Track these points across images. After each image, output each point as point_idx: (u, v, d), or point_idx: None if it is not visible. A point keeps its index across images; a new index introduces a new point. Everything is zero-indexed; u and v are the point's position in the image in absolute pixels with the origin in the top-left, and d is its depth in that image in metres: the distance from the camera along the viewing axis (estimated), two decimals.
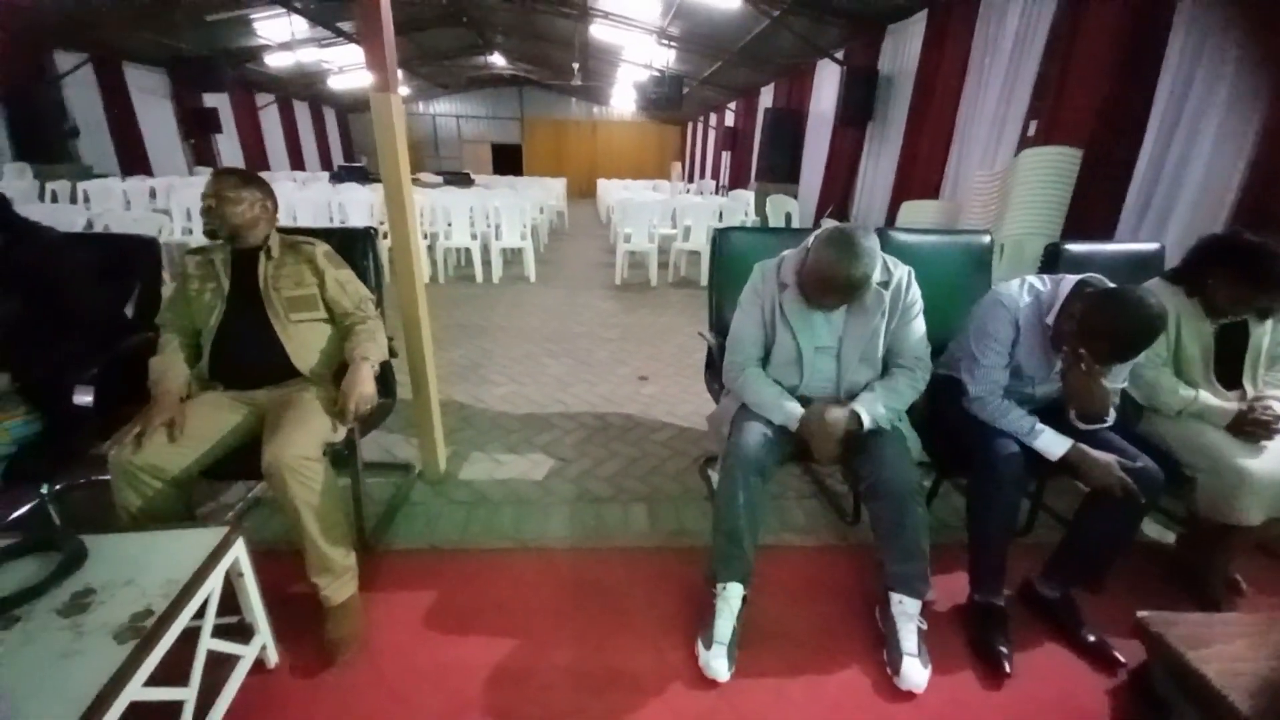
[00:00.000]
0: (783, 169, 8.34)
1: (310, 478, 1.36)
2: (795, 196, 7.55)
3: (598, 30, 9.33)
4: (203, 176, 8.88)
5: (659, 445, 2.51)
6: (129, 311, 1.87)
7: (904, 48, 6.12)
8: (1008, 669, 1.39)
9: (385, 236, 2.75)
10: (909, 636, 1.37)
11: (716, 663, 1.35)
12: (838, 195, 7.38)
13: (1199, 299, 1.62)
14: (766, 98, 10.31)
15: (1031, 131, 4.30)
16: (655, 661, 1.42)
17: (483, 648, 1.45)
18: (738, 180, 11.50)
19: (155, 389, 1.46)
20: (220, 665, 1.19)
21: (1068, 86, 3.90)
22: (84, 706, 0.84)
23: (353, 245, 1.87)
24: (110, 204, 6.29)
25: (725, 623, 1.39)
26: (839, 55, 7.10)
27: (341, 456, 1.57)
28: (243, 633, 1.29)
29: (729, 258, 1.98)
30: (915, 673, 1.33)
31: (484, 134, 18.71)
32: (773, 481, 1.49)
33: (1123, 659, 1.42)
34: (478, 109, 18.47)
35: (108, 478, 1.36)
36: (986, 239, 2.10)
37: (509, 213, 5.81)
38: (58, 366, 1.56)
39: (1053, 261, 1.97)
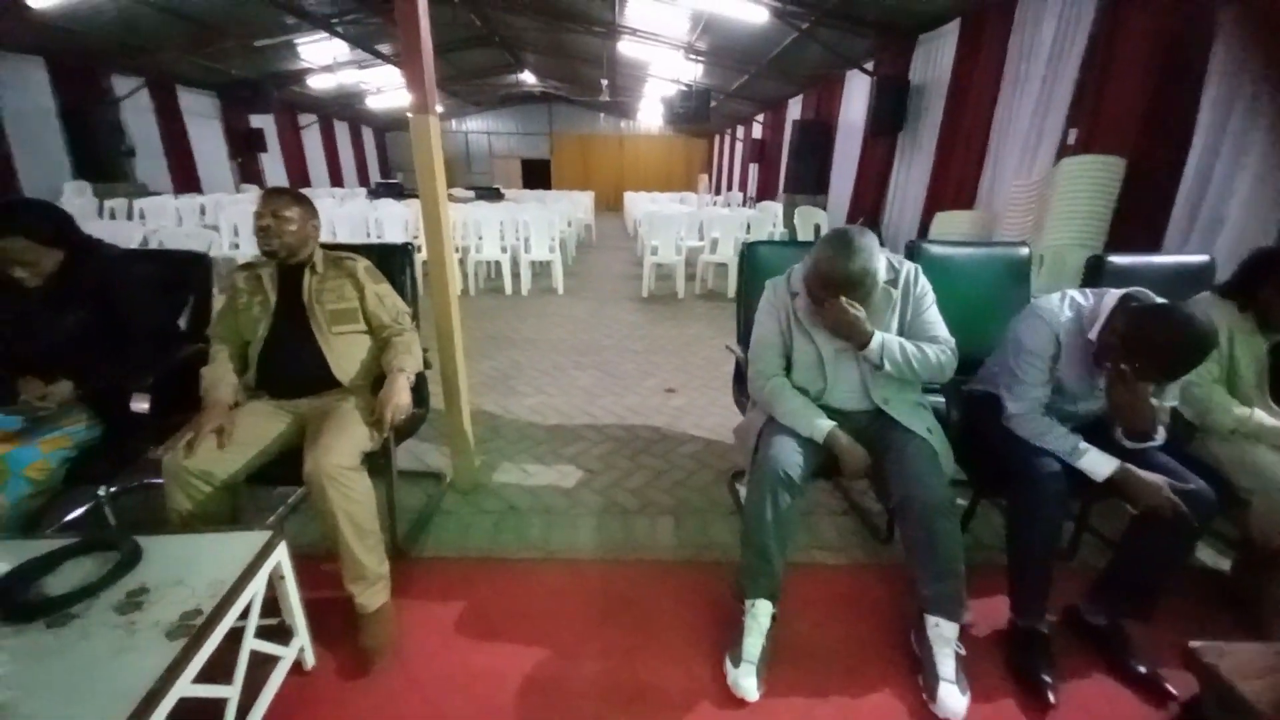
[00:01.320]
0: (811, 180, 8.29)
1: (349, 486, 1.41)
2: (824, 208, 7.49)
3: (625, 47, 9.48)
4: (249, 194, 9.31)
5: (686, 458, 2.51)
6: (182, 323, 1.97)
7: (936, 57, 6.05)
8: (1051, 699, 1.33)
9: (419, 250, 2.83)
10: (946, 661, 1.33)
11: (745, 681, 1.33)
12: (868, 207, 7.29)
13: (1252, 314, 1.56)
14: (794, 109, 10.29)
15: (1071, 140, 4.18)
16: (683, 677, 1.41)
17: (512, 656, 1.46)
18: (765, 192, 11.47)
19: (206, 397, 1.53)
20: (260, 665, 1.23)
21: (1108, 94, 3.79)
22: (136, 701, 0.87)
23: (391, 260, 1.94)
24: (164, 221, 6.62)
25: (754, 640, 1.38)
26: (868, 66, 7.05)
27: (377, 464, 1.61)
28: (282, 634, 1.33)
29: (757, 271, 1.97)
30: (953, 699, 1.28)
31: (514, 150, 19.13)
32: (802, 497, 1.47)
33: (1174, 691, 1.35)
34: (508, 126, 18.91)
35: (160, 481, 1.43)
36: (1024, 251, 2.05)
37: (538, 226, 5.92)
38: (117, 375, 1.65)
39: (1095, 274, 1.91)
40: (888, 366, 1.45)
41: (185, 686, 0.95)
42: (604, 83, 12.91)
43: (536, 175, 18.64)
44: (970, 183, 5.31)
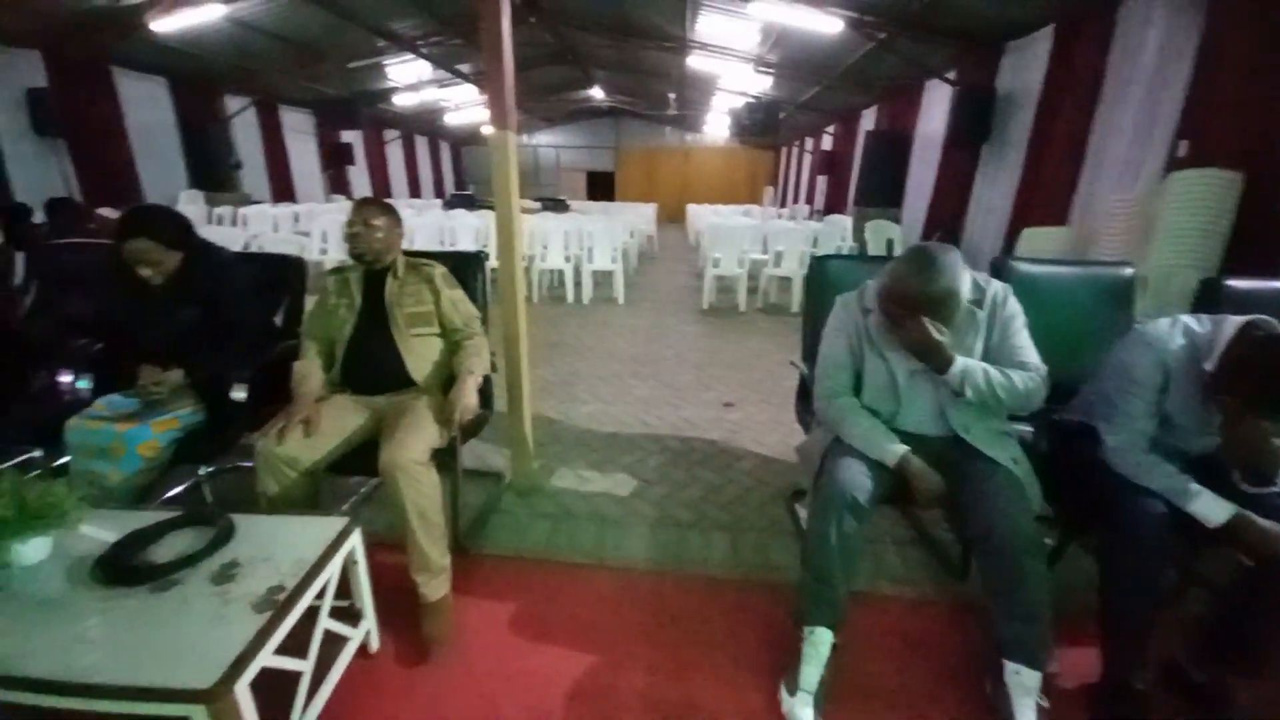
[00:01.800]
0: (884, 193, 7.99)
1: (419, 480, 1.48)
2: (898, 222, 7.21)
3: (695, 61, 9.54)
4: (337, 203, 10.01)
5: (743, 474, 2.46)
6: (277, 321, 2.13)
7: (1026, 65, 5.72)
8: None
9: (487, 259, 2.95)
10: (1025, 713, 1.22)
11: (802, 711, 1.28)
12: (947, 221, 6.96)
13: None
14: (868, 120, 10.01)
15: (1182, 152, 3.83)
16: (734, 700, 1.37)
17: (563, 660, 1.47)
18: (834, 205, 11.18)
19: (296, 390, 1.65)
20: (330, 644, 1.29)
21: (1225, 103, 3.45)
22: (226, 666, 0.94)
23: (465, 267, 2.02)
24: (262, 227, 7.22)
25: (812, 670, 1.32)
26: (950, 75, 6.76)
27: (444, 461, 1.67)
28: (351, 617, 1.40)
29: (826, 286, 1.91)
30: None
31: (580, 162, 19.65)
32: (869, 523, 1.40)
33: None
34: (575, 139, 19.47)
35: (250, 465, 1.55)
36: (1127, 271, 1.89)
37: (601, 237, 6.03)
38: (221, 366, 1.80)
39: (1210, 299, 1.73)
40: (969, 393, 1.37)
41: (267, 656, 1.02)
42: (672, 97, 13.06)
43: (601, 187, 19.05)
44: (1062, 197, 4.96)
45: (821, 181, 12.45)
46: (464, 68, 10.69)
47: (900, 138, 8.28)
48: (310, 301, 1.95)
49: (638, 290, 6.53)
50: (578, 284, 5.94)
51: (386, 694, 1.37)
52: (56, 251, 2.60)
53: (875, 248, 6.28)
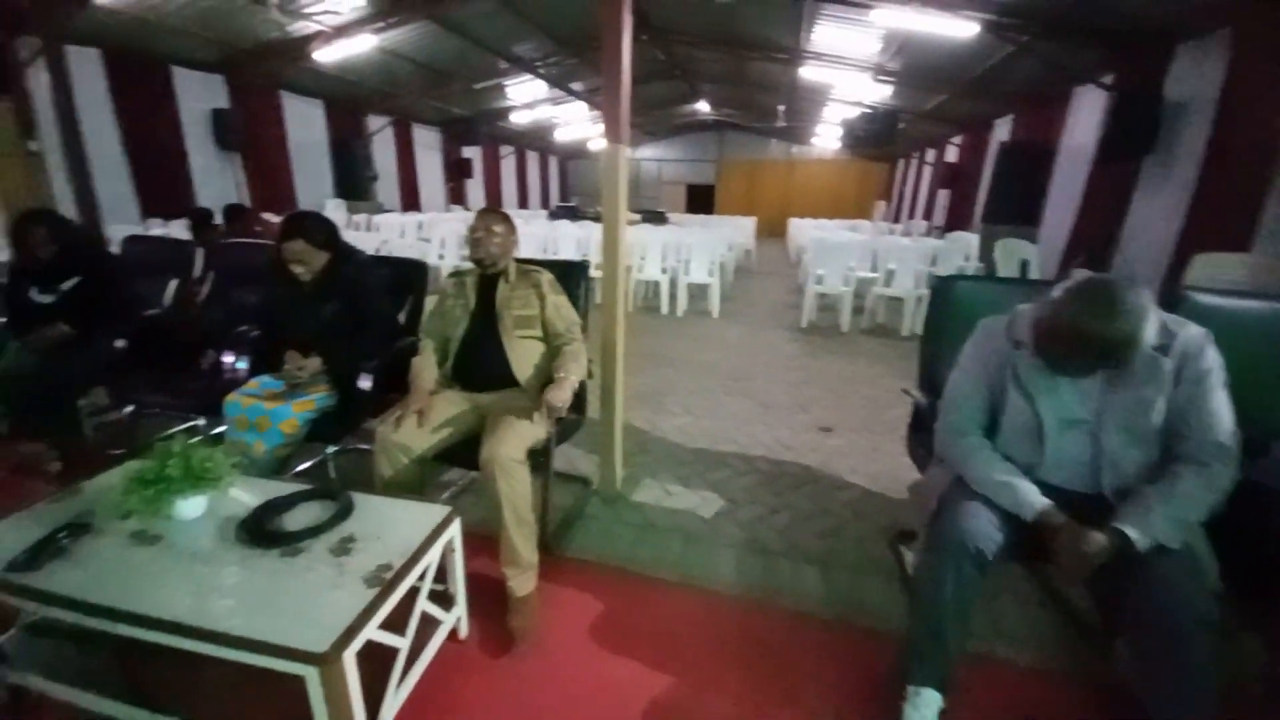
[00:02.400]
0: (1018, 210, 7.22)
1: (516, 477, 1.53)
2: (1034, 241, 6.50)
3: (807, 71, 9.28)
4: (455, 213, 10.85)
5: (840, 505, 2.30)
6: (401, 318, 2.32)
7: (1201, 68, 4.97)
8: None
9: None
10: None
11: None
12: (1095, 242, 6.18)
13: None
14: (1001, 130, 9.20)
15: None
16: None
17: (644, 674, 1.45)
18: (956, 222, 10.34)
19: (414, 383, 1.78)
20: (425, 625, 1.35)
21: None
22: (339, 633, 1.02)
23: (570, 275, 2.08)
24: (391, 233, 7.98)
25: None
26: (1106, 80, 6.03)
27: (538, 461, 1.72)
28: (444, 601, 1.46)
29: (951, 310, 1.75)
30: None
31: (681, 175, 19.83)
32: (990, 579, 1.24)
33: None
34: (677, 153, 19.69)
35: (367, 448, 1.68)
36: None
37: (699, 250, 6.00)
38: (354, 357, 1.99)
39: None
40: (1176, 545, 1.13)
41: (373, 629, 1.09)
42: (780, 108, 12.81)
43: (700, 200, 19.09)
44: (1246, 219, 4.24)
45: (943, 196, 11.61)
46: (576, 86, 11.20)
47: (1040, 149, 7.51)
48: (430, 302, 2.10)
49: (734, 304, 6.42)
50: (673, 296, 5.95)
51: (473, 679, 1.42)
52: (229, 250, 3.03)
53: (1006, 269, 5.67)
